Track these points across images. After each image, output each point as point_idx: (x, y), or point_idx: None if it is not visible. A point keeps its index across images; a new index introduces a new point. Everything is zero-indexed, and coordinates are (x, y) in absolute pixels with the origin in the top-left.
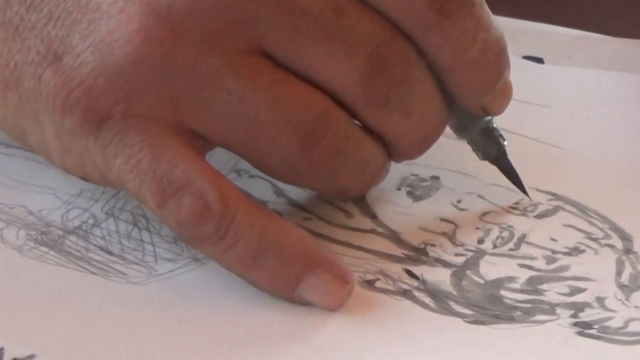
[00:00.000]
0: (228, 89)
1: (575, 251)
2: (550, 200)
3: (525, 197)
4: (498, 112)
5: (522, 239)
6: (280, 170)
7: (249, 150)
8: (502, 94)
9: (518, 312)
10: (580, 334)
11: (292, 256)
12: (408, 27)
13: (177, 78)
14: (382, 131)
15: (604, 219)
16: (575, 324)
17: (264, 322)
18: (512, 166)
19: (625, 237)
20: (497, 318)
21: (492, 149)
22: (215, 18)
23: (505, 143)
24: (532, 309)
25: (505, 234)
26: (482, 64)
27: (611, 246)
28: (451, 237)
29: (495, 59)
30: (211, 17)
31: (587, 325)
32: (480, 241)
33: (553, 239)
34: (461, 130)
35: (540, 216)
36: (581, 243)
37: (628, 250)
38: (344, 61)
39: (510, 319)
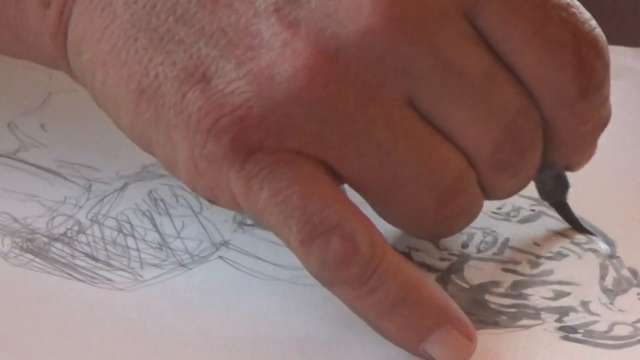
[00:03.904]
0: (380, 142)
1: (558, 255)
2: (533, 205)
3: (508, 201)
4: (577, 170)
5: (505, 244)
6: (405, 221)
7: (383, 201)
8: (589, 157)
9: (503, 317)
10: (565, 338)
11: (428, 308)
12: (545, 99)
13: (333, 123)
14: (490, 187)
15: (586, 224)
16: (560, 329)
17: (250, 326)
18: (571, 211)
19: (608, 242)
20: (483, 323)
21: (557, 193)
22: (379, 68)
23: (570, 190)
24: (517, 314)
25: (489, 238)
26: (591, 137)
27: (594, 251)
28: (435, 241)
29: (600, 132)
30: (375, 67)
31: (572, 329)
32: (464, 245)
33: (536, 244)
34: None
35: (523, 221)
36: (564, 247)
37: (611, 255)
38: (482, 126)
39: (496, 324)
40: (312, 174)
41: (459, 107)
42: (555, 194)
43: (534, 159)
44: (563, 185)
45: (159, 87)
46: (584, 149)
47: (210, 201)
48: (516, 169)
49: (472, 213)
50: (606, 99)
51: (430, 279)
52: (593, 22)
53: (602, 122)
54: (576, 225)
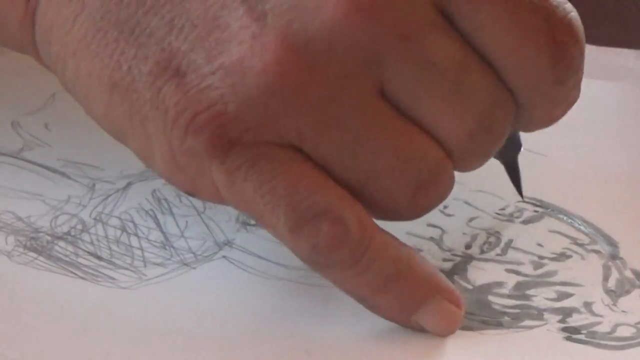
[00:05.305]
0: (354, 132)
1: (561, 257)
2: (536, 206)
3: (511, 202)
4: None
5: (509, 245)
6: (381, 210)
7: (359, 190)
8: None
9: (506, 318)
10: (568, 339)
11: (419, 282)
12: (521, 87)
13: (307, 114)
14: (461, 168)
15: (589, 225)
16: (564, 329)
17: (253, 326)
18: (519, 173)
19: (611, 243)
20: (486, 324)
21: (509, 153)
22: (350, 58)
23: (522, 149)
24: (521, 315)
25: (492, 239)
26: (560, 115)
27: (597, 252)
28: (439, 242)
29: (569, 109)
30: (344, 58)
31: (575, 330)
32: (468, 246)
33: (539, 245)
34: None
35: (526, 222)
36: (567, 249)
37: (614, 256)
38: (457, 117)
39: (499, 325)
40: (294, 163)
41: (432, 98)
42: (507, 153)
43: (503, 141)
44: (515, 146)
45: (133, 81)
46: (549, 124)
47: (188, 193)
48: (487, 153)
49: (445, 196)
50: (580, 80)
51: (418, 253)
52: (568, 6)
53: (572, 101)
54: (518, 189)
